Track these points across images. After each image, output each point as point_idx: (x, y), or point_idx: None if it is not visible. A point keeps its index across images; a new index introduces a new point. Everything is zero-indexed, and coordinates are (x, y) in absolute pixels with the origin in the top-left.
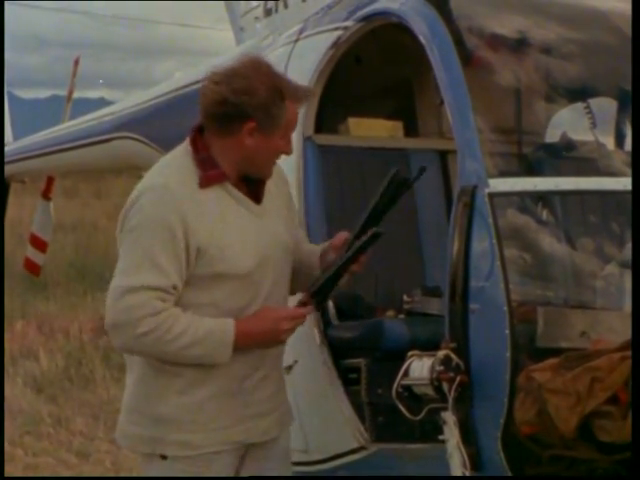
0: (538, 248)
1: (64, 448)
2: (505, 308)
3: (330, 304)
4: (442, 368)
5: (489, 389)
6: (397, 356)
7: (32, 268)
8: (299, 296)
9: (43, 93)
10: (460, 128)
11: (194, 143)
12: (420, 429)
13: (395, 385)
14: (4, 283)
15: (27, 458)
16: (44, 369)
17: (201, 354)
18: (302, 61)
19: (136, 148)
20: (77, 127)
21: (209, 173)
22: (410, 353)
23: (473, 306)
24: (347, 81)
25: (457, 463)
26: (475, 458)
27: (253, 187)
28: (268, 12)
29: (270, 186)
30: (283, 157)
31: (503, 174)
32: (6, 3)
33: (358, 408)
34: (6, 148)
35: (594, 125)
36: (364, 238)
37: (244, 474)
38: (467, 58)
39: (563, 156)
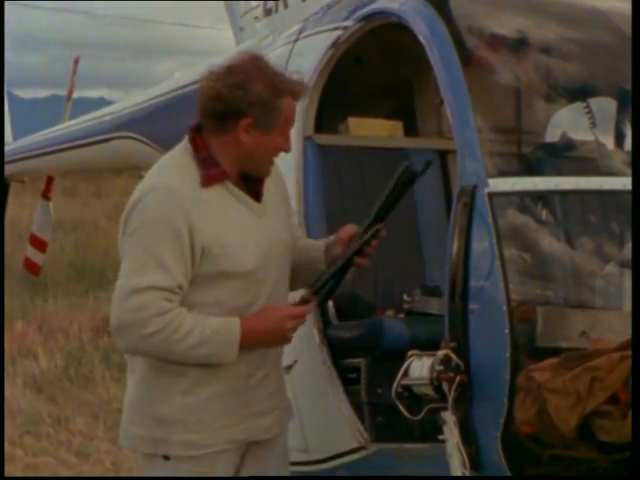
0: (538, 248)
1: (64, 448)
2: (505, 308)
3: (330, 304)
4: (442, 368)
5: (489, 389)
6: (397, 356)
7: (32, 268)
8: (301, 292)
9: (43, 93)
10: (460, 128)
11: (193, 142)
12: (420, 429)
13: (395, 385)
14: (4, 283)
15: (27, 458)
16: (44, 369)
17: (208, 353)
18: (302, 61)
19: (136, 148)
20: (77, 127)
21: (210, 172)
22: (410, 353)
23: (473, 306)
24: (347, 81)
25: (457, 463)
26: (475, 458)
27: (252, 185)
28: (268, 12)
29: (268, 184)
30: (283, 157)
31: (503, 174)
32: (6, 3)
33: (358, 408)
34: (6, 148)
35: (594, 125)
36: (365, 237)
37: (244, 473)
38: (467, 58)
39: (563, 156)
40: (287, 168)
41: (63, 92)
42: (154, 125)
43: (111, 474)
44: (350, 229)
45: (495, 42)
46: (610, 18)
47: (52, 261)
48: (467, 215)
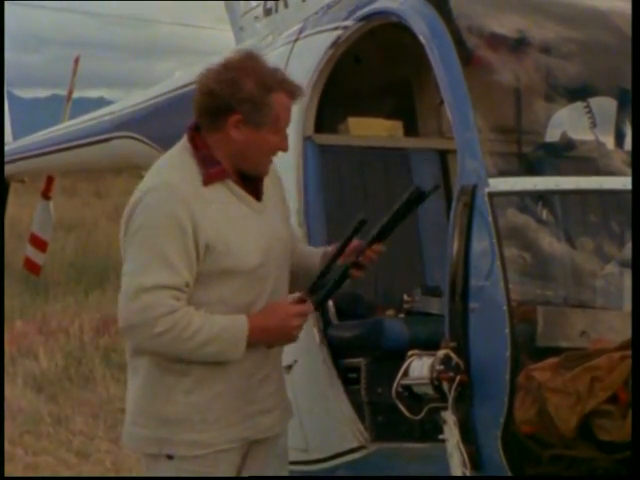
0: (538, 247)
1: (64, 447)
2: (505, 307)
3: (330, 303)
4: (442, 367)
5: (489, 388)
6: (397, 355)
7: (32, 268)
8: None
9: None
10: (460, 128)
11: (192, 141)
12: (420, 428)
13: (395, 384)
14: (4, 283)
15: (27, 457)
16: (44, 368)
17: (216, 351)
18: (302, 61)
19: (136, 148)
20: (77, 127)
21: (211, 170)
22: (410, 352)
23: (473, 305)
24: (347, 81)
25: (457, 462)
26: (475, 457)
27: (251, 184)
28: (268, 12)
29: (267, 183)
30: (283, 156)
31: (503, 173)
32: (6, 3)
33: (358, 407)
34: (6, 147)
35: (594, 124)
36: (350, 228)
37: (245, 473)
38: (467, 57)
39: (563, 155)
40: (287, 168)
41: (63, 92)
42: (154, 125)
43: (111, 474)
44: (354, 243)
45: (495, 42)
46: (610, 18)
47: (52, 261)
48: (467, 215)
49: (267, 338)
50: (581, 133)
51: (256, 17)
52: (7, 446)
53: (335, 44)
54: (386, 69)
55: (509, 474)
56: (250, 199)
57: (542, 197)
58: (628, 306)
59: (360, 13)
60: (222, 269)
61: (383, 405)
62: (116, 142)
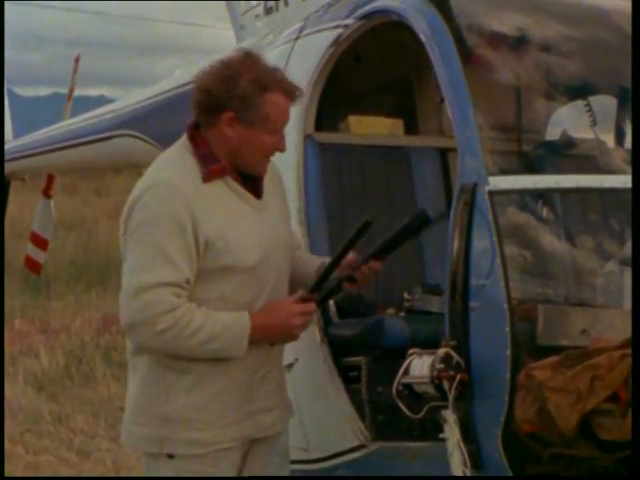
0: (538, 246)
1: (65, 446)
2: (505, 306)
3: (330, 302)
4: (442, 366)
5: (489, 387)
6: (397, 354)
7: (33, 266)
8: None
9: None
10: (460, 126)
11: (192, 139)
12: (420, 427)
13: (395, 383)
14: (4, 282)
15: (28, 456)
16: (45, 367)
17: (218, 348)
18: (302, 59)
19: (136, 146)
20: (77, 125)
21: (211, 167)
22: (410, 351)
23: (473, 304)
24: (347, 79)
25: (457, 461)
26: (475, 456)
27: (251, 182)
28: (268, 10)
29: (267, 182)
30: (284, 155)
31: (503, 172)
32: (6, 2)
33: (358, 406)
34: (6, 146)
35: (594, 123)
36: (353, 230)
37: (246, 472)
38: (467, 56)
39: (563, 154)
40: (287, 166)
41: (64, 90)
42: (155, 123)
43: (112, 473)
44: (349, 257)
45: (495, 40)
46: (610, 16)
47: (53, 259)
48: (468, 213)
49: (269, 336)
50: (581, 131)
51: (257, 16)
52: (7, 445)
53: (336, 43)
54: (386, 67)
55: (509, 473)
56: (250, 197)
57: (542, 195)
58: (628, 304)
59: (361, 12)
60: (222, 266)
61: (383, 404)
62: (117, 140)
